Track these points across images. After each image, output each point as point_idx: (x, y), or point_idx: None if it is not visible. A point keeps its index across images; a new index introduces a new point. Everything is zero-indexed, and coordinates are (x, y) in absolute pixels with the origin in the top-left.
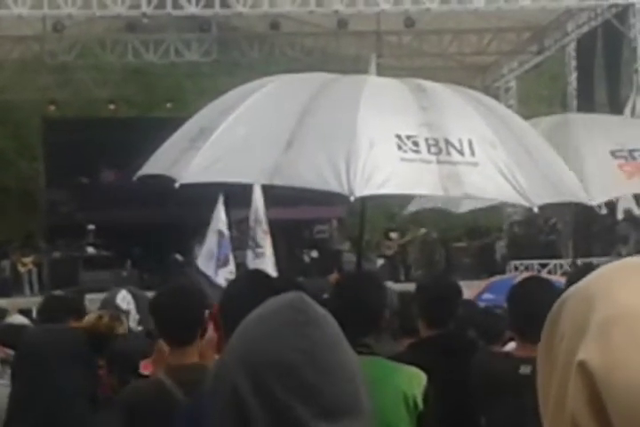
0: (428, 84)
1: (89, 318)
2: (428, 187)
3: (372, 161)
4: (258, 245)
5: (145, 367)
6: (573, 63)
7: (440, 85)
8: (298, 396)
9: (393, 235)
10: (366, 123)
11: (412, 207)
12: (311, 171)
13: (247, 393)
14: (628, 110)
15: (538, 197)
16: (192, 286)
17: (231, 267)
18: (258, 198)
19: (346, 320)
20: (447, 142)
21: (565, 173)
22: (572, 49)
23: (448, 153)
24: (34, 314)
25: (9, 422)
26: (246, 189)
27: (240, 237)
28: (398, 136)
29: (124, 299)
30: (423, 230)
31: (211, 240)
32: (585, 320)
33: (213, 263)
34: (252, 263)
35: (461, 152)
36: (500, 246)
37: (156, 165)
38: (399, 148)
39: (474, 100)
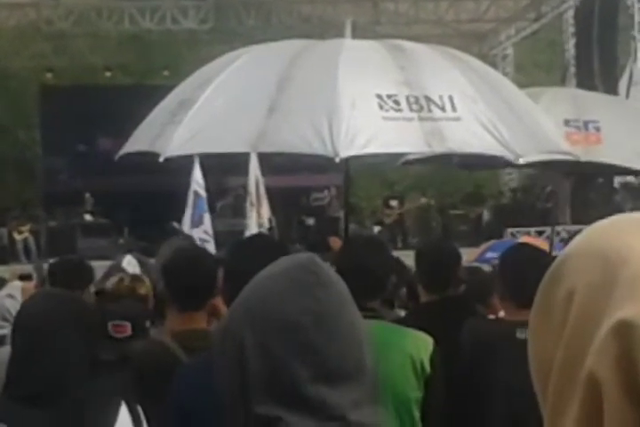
0: (405, 43)
1: (111, 282)
2: (411, 144)
3: (355, 122)
4: (243, 217)
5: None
6: (571, 30)
7: (417, 45)
8: (299, 357)
9: (393, 203)
10: (346, 84)
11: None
12: (295, 135)
13: (250, 350)
14: (625, 78)
15: (522, 149)
16: (206, 253)
17: (205, 227)
18: (253, 170)
19: (352, 284)
20: (428, 99)
21: (547, 126)
22: (569, 16)
23: (429, 110)
24: (34, 279)
25: (7, 385)
26: (244, 156)
27: (234, 205)
28: (379, 96)
29: (129, 263)
30: (424, 200)
31: (189, 203)
32: (606, 276)
33: (188, 224)
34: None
35: (443, 108)
36: (497, 213)
37: (137, 142)
38: (380, 107)
39: (452, 58)
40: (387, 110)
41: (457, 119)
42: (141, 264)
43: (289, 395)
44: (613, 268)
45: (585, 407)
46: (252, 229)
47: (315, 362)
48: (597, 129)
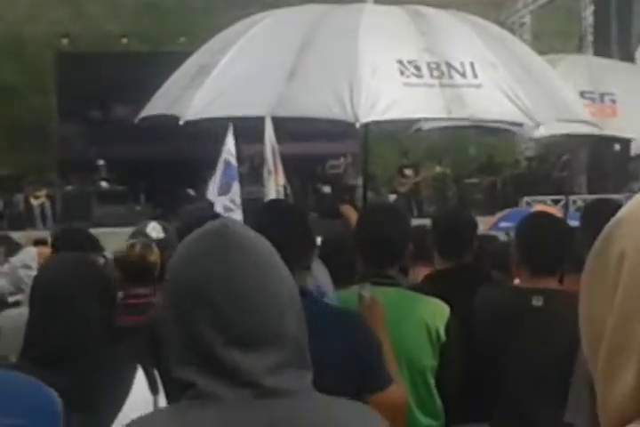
0: (426, 9)
1: (121, 248)
2: (432, 110)
3: (375, 87)
4: (262, 185)
5: None
6: None
7: (438, 10)
8: (208, 319)
9: (407, 172)
10: (367, 50)
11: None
12: (315, 100)
13: (170, 313)
14: None
15: (542, 117)
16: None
17: (232, 196)
18: (268, 137)
19: (370, 252)
20: (449, 65)
21: (567, 94)
22: None
23: (450, 76)
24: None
25: (26, 349)
26: (259, 124)
27: (250, 173)
28: (400, 61)
29: (153, 228)
30: (438, 169)
31: (218, 171)
32: None
33: (215, 191)
34: (225, 211)
35: (464, 75)
36: (513, 182)
37: (157, 105)
38: (401, 73)
39: (472, 24)
40: (407, 76)
41: (478, 86)
42: (165, 230)
43: (202, 358)
44: None
45: None
46: (270, 196)
47: (223, 325)
48: (613, 101)
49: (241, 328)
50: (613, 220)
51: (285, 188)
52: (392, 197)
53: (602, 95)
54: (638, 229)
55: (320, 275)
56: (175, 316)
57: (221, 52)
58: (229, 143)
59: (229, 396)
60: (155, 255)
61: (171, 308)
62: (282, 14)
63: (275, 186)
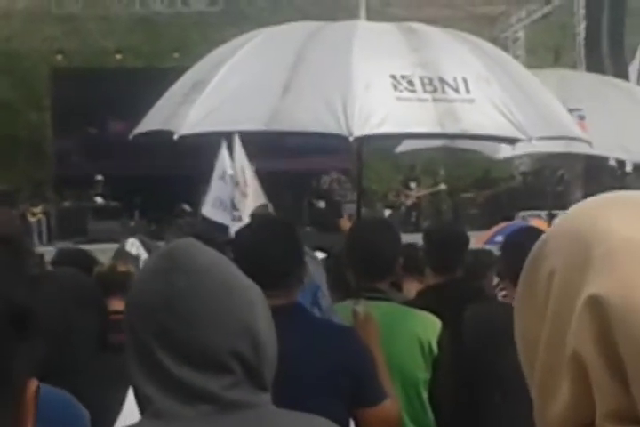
0: (418, 26)
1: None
2: (425, 125)
3: (369, 102)
4: (235, 208)
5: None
6: (582, 13)
7: (430, 27)
8: (156, 338)
9: (413, 185)
10: (360, 65)
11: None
12: (309, 115)
13: (126, 331)
14: (635, 64)
15: (535, 130)
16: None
17: (246, 211)
18: (239, 157)
19: (361, 266)
20: (442, 81)
21: (560, 110)
22: None
23: (443, 91)
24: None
25: None
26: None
27: None
28: (393, 76)
29: (132, 245)
30: (443, 186)
31: (218, 187)
32: (582, 256)
33: (228, 209)
34: (231, 225)
35: (457, 90)
36: (508, 197)
37: (151, 121)
38: (395, 88)
39: (464, 40)
40: (401, 91)
41: (471, 101)
42: (145, 246)
43: (155, 374)
44: (589, 247)
45: (575, 386)
46: (245, 219)
47: (171, 344)
48: (581, 117)
49: (189, 348)
50: (543, 236)
51: (266, 206)
52: (387, 212)
53: (570, 111)
54: (565, 245)
55: (317, 274)
56: (130, 331)
57: (215, 68)
58: (225, 158)
59: (189, 413)
60: (127, 266)
61: (127, 325)
62: (275, 31)
63: (247, 210)
